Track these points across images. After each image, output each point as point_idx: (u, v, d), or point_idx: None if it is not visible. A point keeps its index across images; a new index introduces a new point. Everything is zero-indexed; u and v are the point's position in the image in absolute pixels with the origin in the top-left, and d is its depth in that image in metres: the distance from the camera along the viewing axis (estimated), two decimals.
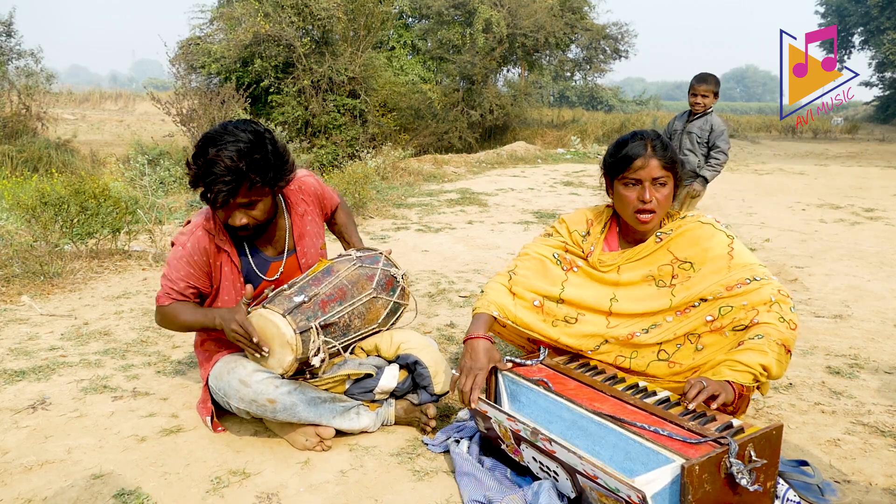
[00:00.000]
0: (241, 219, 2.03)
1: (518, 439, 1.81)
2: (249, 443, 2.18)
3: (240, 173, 1.92)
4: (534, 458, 1.79)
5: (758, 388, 1.98)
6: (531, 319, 2.14)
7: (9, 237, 4.93)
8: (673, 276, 2.05)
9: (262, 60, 13.44)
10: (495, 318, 2.12)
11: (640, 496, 1.41)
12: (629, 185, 2.05)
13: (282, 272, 2.28)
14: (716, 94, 4.27)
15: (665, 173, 2.02)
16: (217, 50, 14.06)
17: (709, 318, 1.95)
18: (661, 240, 2.09)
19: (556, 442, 1.64)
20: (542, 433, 1.68)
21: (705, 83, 4.26)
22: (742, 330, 1.91)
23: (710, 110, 4.33)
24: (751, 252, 2.08)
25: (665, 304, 2.03)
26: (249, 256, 2.23)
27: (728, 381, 1.82)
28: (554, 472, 1.72)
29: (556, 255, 2.21)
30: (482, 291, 2.21)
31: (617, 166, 2.07)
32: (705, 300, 1.98)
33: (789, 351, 1.86)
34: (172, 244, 2.21)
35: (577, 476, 1.61)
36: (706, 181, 4.32)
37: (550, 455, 1.68)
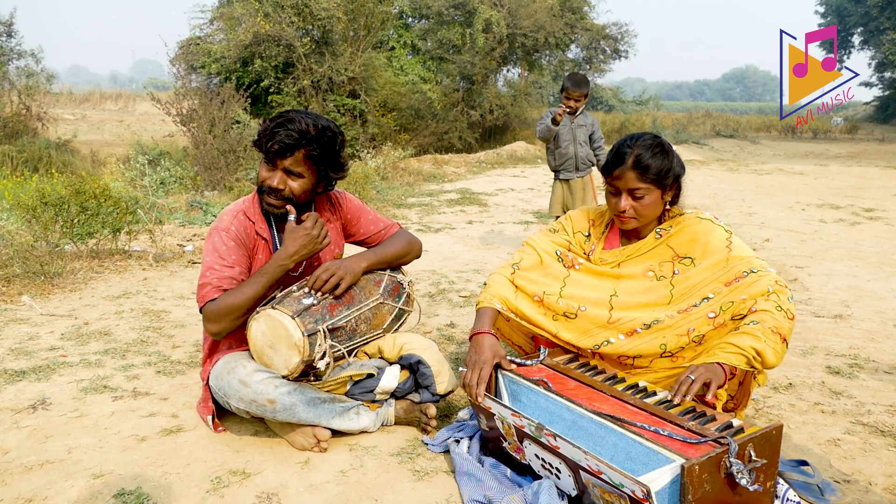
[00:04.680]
0: (279, 181, 2.10)
1: (521, 436, 1.81)
2: (249, 443, 2.19)
3: (306, 136, 2.05)
4: (536, 456, 1.79)
5: (754, 377, 1.98)
6: (532, 312, 2.15)
7: (9, 237, 4.93)
8: (674, 274, 2.08)
9: (262, 60, 13.45)
10: (499, 312, 2.14)
11: (645, 490, 1.41)
12: (610, 193, 2.12)
13: (301, 272, 2.30)
14: (586, 96, 4.50)
15: (643, 185, 2.03)
16: (217, 50, 14.07)
17: (711, 315, 1.97)
18: (661, 236, 2.12)
19: (560, 437, 1.64)
20: (546, 429, 1.69)
21: (579, 88, 4.44)
22: (740, 319, 1.92)
23: (582, 108, 4.62)
24: (748, 246, 2.09)
25: (665, 295, 2.05)
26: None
27: (719, 364, 1.82)
28: (556, 468, 1.73)
29: (558, 253, 2.24)
30: (485, 284, 2.24)
31: (603, 171, 2.13)
32: (707, 299, 1.98)
33: (785, 340, 1.85)
34: (209, 234, 2.17)
35: (581, 472, 1.62)
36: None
37: (554, 451, 1.69)
